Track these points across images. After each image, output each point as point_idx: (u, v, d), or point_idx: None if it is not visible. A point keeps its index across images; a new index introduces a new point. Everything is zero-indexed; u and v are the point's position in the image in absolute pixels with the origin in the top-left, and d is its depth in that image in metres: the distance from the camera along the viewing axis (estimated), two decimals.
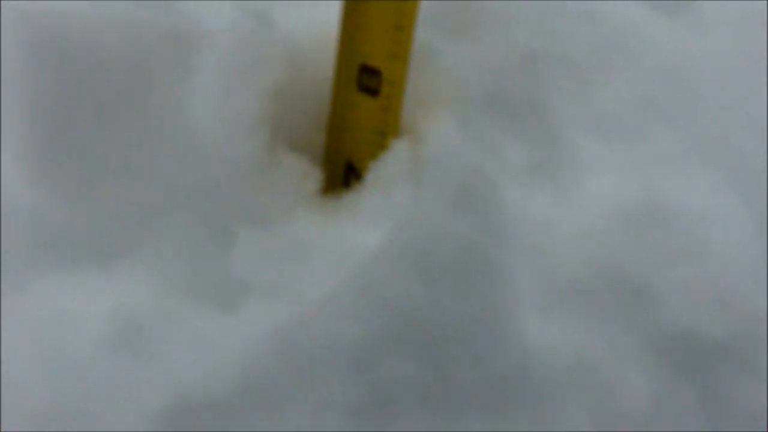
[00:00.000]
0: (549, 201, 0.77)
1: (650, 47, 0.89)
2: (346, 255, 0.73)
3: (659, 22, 0.91)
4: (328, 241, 0.76)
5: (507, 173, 0.79)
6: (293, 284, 0.71)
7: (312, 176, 0.82)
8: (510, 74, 0.86)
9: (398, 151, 0.81)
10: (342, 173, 0.84)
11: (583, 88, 0.85)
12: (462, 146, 0.81)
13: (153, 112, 0.75)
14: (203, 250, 0.75)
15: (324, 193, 0.83)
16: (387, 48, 0.79)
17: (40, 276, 0.68)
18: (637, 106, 0.85)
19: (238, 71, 0.80)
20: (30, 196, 0.70)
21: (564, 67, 0.85)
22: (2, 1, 0.73)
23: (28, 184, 0.70)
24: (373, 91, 0.81)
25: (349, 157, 0.84)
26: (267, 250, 0.75)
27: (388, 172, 0.80)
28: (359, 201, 0.80)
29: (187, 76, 0.77)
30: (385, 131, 0.82)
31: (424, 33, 0.85)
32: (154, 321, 0.67)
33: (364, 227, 0.76)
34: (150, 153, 0.75)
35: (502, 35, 0.88)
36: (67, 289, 0.67)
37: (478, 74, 0.85)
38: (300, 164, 0.82)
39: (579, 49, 0.87)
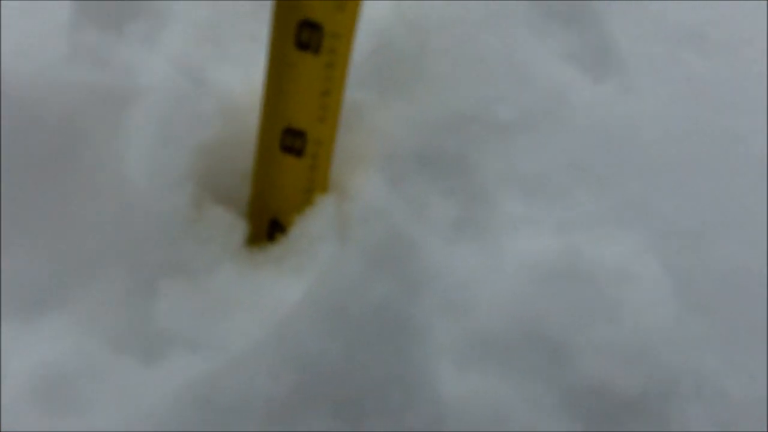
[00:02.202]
0: (471, 258, 0.82)
1: (578, 111, 0.95)
2: (266, 309, 0.78)
3: (588, 86, 0.98)
4: (250, 294, 0.81)
5: (431, 231, 0.84)
6: (214, 337, 0.76)
7: (238, 229, 0.87)
8: (440, 134, 0.92)
9: (324, 208, 0.86)
10: (266, 228, 0.89)
11: (510, 149, 0.91)
12: (388, 203, 0.86)
13: (84, 166, 0.80)
14: (128, 303, 0.79)
15: (249, 246, 0.88)
16: (313, 112, 0.83)
17: None
18: (563, 168, 0.91)
19: (170, 127, 0.85)
20: None
21: (493, 127, 0.92)
22: None
23: None
24: (297, 152, 0.86)
25: (274, 214, 0.89)
26: (190, 302, 0.79)
27: (312, 228, 0.86)
28: (283, 255, 0.85)
29: (120, 132, 0.82)
30: (311, 189, 0.87)
31: (355, 91, 0.91)
32: (77, 374, 0.71)
33: (286, 282, 0.81)
34: (79, 207, 0.79)
35: (433, 95, 0.94)
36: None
37: (409, 133, 0.91)
38: (226, 217, 0.87)
39: (509, 111, 0.93)
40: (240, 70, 0.92)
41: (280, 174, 0.87)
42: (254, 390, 0.69)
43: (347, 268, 0.76)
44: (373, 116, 0.92)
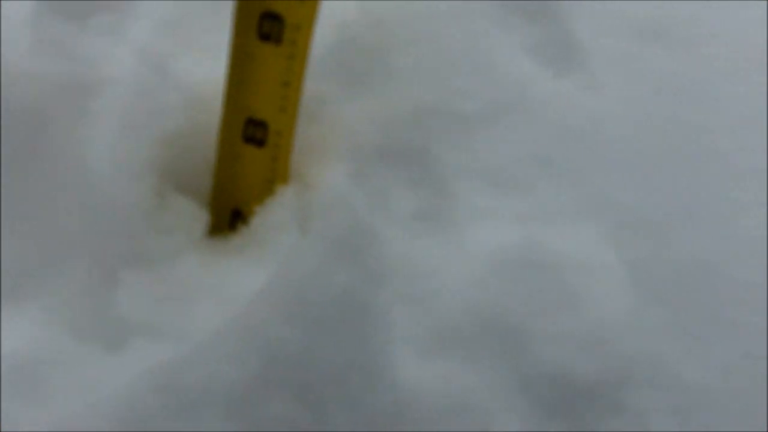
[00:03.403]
0: (432, 249, 0.85)
1: (540, 104, 0.99)
2: (228, 298, 0.80)
3: (551, 80, 1.02)
4: (212, 283, 0.84)
5: (392, 222, 0.87)
6: (175, 326, 0.78)
7: (200, 219, 0.89)
8: (402, 127, 0.94)
9: (285, 198, 0.89)
10: (228, 218, 0.91)
11: (472, 142, 0.94)
12: (349, 195, 0.89)
13: (47, 157, 0.83)
14: (90, 292, 0.81)
15: (211, 236, 0.90)
16: (274, 102, 0.86)
17: None
18: (525, 161, 0.94)
19: (133, 118, 0.88)
20: None
21: (455, 121, 0.95)
22: None
23: None
24: (258, 142, 0.88)
25: (235, 204, 0.91)
26: (151, 291, 0.82)
27: (274, 218, 0.88)
28: (244, 245, 0.88)
29: (83, 123, 0.85)
30: (273, 179, 0.90)
31: (319, 84, 0.94)
32: (41, 361, 0.73)
33: (248, 271, 0.84)
34: (42, 197, 0.81)
35: (396, 89, 0.97)
36: None
37: (371, 126, 0.94)
38: (188, 208, 0.89)
39: (471, 104, 0.96)
40: (204, 62, 0.94)
41: (243, 164, 0.90)
42: (216, 377, 0.71)
43: (308, 258, 0.79)
44: (335, 109, 0.94)
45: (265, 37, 0.84)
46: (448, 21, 1.01)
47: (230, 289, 0.81)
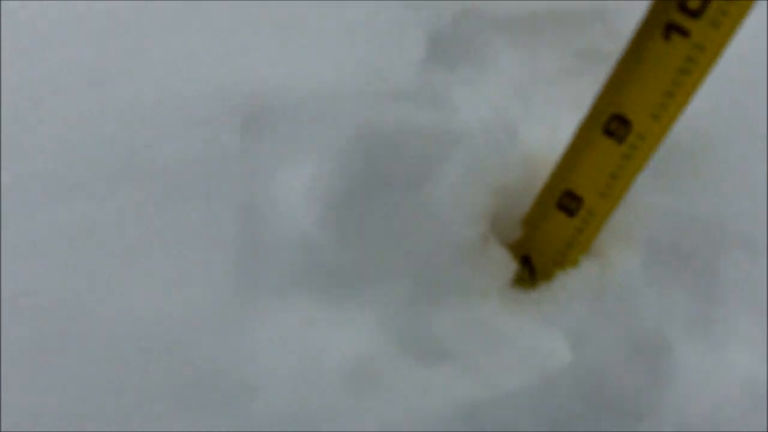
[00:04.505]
0: (696, 362, 0.98)
1: None
2: (523, 350, 0.97)
3: None
4: (510, 330, 1.00)
5: (673, 324, 1.00)
6: (476, 362, 0.96)
7: (509, 268, 1.05)
8: (698, 232, 1.07)
9: (586, 270, 1.04)
10: (519, 260, 1.06)
11: (756, 268, 1.05)
12: (639, 285, 1.03)
13: (406, 188, 1.00)
14: (414, 309, 0.99)
15: (514, 286, 1.07)
16: (596, 188, 0.97)
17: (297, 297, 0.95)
18: None
19: (478, 169, 1.04)
20: (312, 229, 0.97)
21: (747, 245, 1.06)
22: None
23: (317, 220, 0.97)
24: (569, 212, 1.00)
25: (527, 251, 1.05)
26: (461, 323, 0.99)
27: (571, 285, 1.03)
28: (541, 300, 1.03)
29: (440, 166, 1.01)
30: (571, 246, 1.03)
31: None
32: (375, 363, 0.92)
33: (542, 327, 0.99)
34: (390, 220, 0.99)
35: (704, 195, 1.08)
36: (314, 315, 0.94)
37: (672, 223, 1.07)
38: (503, 256, 1.04)
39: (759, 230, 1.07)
40: (546, 129, 1.09)
41: (547, 225, 1.03)
42: (515, 426, 0.88)
43: (601, 339, 0.94)
44: (646, 201, 1.07)
45: (609, 132, 0.94)
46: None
47: (525, 340, 0.98)
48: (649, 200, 1.08)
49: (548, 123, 1.09)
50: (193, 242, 0.94)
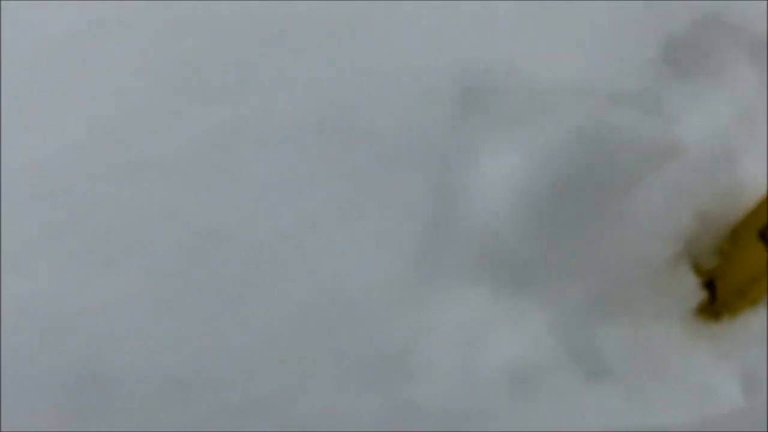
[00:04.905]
0: None
1: None
2: (693, 389, 0.94)
3: None
4: (681, 363, 0.98)
5: None
6: (643, 389, 0.94)
7: (695, 295, 1.02)
8: None
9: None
10: (703, 283, 1.03)
11: None
12: None
13: (608, 198, 0.99)
14: (584, 320, 0.98)
15: (696, 315, 1.04)
16: None
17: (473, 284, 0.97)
18: None
19: (687, 188, 1.00)
20: (504, 219, 0.98)
21: None
22: None
23: (512, 211, 0.98)
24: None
25: (712, 277, 1.02)
26: (634, 344, 0.98)
27: (756, 326, 0.99)
28: (719, 336, 1.00)
29: (648, 179, 0.99)
30: (759, 280, 0.99)
31: None
32: (538, 367, 0.93)
33: (718, 370, 0.97)
34: (590, 230, 0.98)
35: None
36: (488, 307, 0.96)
37: None
38: (690, 282, 1.01)
39: None
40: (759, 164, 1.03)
41: (743, 253, 1.00)
42: None
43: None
44: None
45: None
46: None
47: (697, 375, 0.95)
48: None
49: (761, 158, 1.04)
50: (385, 212, 0.96)
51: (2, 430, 0.85)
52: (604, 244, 0.99)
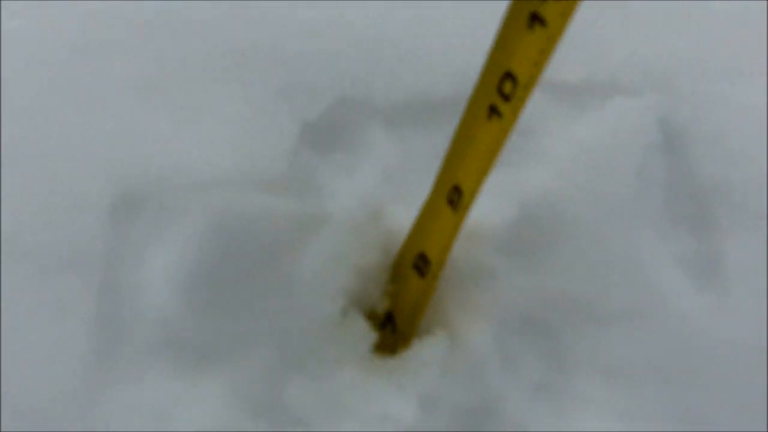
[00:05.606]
0: (540, 424, 1.07)
1: (673, 317, 1.15)
2: (374, 419, 1.05)
3: (690, 296, 1.18)
4: (361, 399, 1.07)
5: (515, 387, 1.09)
6: (329, 429, 1.04)
7: (368, 339, 1.13)
8: (547, 307, 1.15)
9: (439, 341, 1.12)
10: (383, 319, 1.15)
11: (602, 337, 1.14)
12: (487, 354, 1.11)
13: (266, 272, 1.10)
14: (268, 378, 1.07)
15: (375, 354, 1.15)
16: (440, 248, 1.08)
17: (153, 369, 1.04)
18: (639, 364, 1.13)
19: (341, 251, 1.14)
20: (172, 308, 1.06)
21: (592, 314, 1.14)
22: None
23: (177, 300, 1.07)
24: (421, 273, 1.11)
25: (391, 310, 1.15)
26: (314, 391, 1.07)
27: (423, 355, 1.11)
28: (395, 370, 1.11)
29: (304, 249, 1.12)
30: (421, 306, 1.13)
31: (494, 256, 1.16)
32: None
33: (391, 395, 1.07)
34: (254, 296, 1.09)
35: (554, 274, 1.18)
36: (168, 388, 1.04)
37: (523, 300, 1.15)
38: (362, 328, 1.12)
39: (610, 303, 1.16)
40: (411, 208, 1.17)
41: (406, 284, 1.13)
42: None
43: (443, 406, 1.04)
44: (499, 278, 1.16)
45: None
46: (613, 223, 1.21)
47: (376, 407, 1.06)
48: (502, 281, 1.17)
49: (412, 204, 1.18)
50: (52, 320, 1.05)
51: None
52: (277, 308, 1.10)
